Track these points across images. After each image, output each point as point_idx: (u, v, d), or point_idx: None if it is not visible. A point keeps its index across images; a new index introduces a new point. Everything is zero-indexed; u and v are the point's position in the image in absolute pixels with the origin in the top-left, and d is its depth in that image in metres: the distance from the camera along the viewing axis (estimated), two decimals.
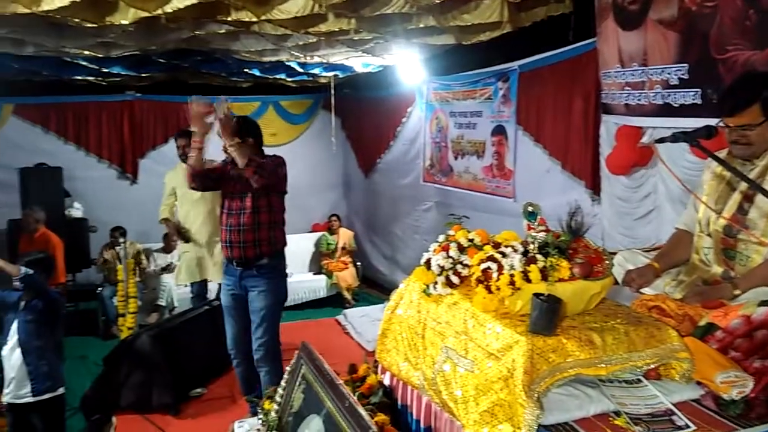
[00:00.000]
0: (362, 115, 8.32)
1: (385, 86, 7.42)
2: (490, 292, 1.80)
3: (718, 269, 2.23)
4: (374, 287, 8.01)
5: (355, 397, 1.94)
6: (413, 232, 7.20)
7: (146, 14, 3.92)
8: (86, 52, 5.46)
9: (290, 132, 8.67)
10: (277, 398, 2.28)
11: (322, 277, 7.49)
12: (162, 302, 6.59)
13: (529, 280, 1.75)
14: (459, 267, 1.99)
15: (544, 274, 1.75)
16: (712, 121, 2.07)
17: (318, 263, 7.75)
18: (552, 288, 1.71)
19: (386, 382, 2.31)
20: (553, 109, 4.79)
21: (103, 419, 4.16)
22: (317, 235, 7.99)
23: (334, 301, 7.34)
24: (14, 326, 3.43)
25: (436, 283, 2.01)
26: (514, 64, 5.20)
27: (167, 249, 7.03)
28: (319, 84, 8.12)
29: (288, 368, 2.31)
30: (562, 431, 1.60)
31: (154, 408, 4.32)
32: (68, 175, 7.22)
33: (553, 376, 1.59)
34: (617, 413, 1.63)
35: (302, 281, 7.24)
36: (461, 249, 2.03)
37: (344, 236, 7.87)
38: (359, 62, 6.68)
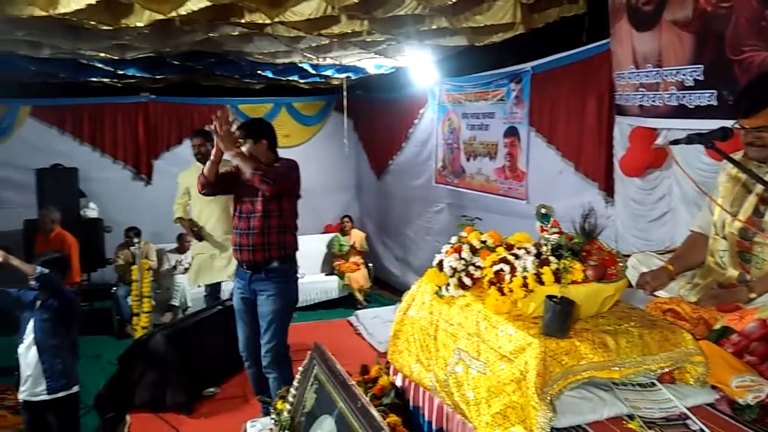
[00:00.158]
0: (374, 116, 8.33)
1: (398, 88, 7.42)
2: (502, 294, 1.80)
3: (733, 272, 2.21)
4: (386, 288, 8.01)
5: (368, 398, 1.94)
6: (425, 234, 7.19)
7: (161, 17, 3.95)
8: (102, 54, 5.52)
9: (303, 133, 8.70)
10: (290, 398, 2.29)
11: (334, 278, 7.51)
12: (175, 302, 6.64)
13: (542, 282, 1.75)
14: (471, 269, 1.99)
15: (557, 276, 1.74)
16: (728, 123, 2.06)
17: (330, 264, 7.77)
18: (565, 290, 1.71)
19: (398, 383, 2.31)
20: (566, 111, 4.77)
21: (117, 418, 4.21)
22: (329, 236, 8.01)
23: (346, 302, 7.35)
24: (30, 325, 3.47)
25: (448, 284, 2.01)
26: (527, 66, 5.18)
27: (181, 249, 7.08)
28: (332, 85, 8.15)
29: (300, 368, 2.32)
30: None
31: (167, 407, 4.35)
32: (84, 175, 7.30)
33: (566, 378, 1.59)
34: (631, 417, 1.62)
35: (314, 282, 7.27)
36: (474, 251, 2.03)
37: (356, 237, 7.89)
38: (372, 64, 6.70)
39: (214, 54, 5.93)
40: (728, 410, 1.68)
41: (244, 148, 3.53)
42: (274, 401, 2.47)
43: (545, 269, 1.76)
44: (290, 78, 7.36)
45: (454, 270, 2.01)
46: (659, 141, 3.56)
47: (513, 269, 1.81)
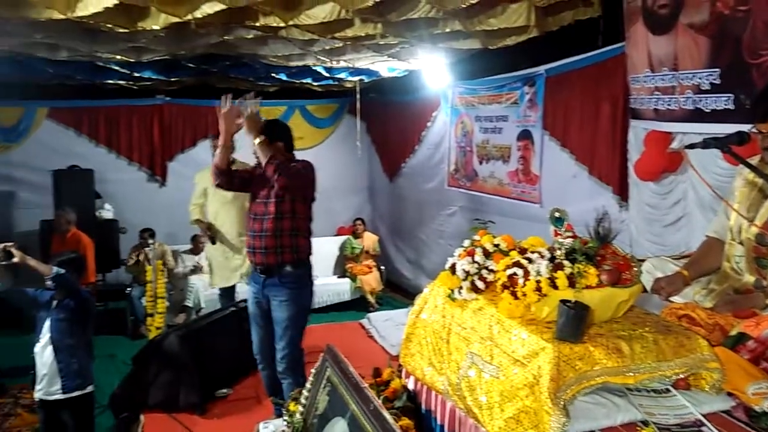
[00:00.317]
0: (387, 119, 8.34)
1: (411, 90, 7.43)
2: (516, 297, 1.80)
3: (750, 278, 2.19)
4: (398, 291, 8.00)
5: (380, 401, 1.95)
6: (438, 237, 7.18)
7: (177, 20, 3.99)
8: (118, 57, 5.59)
9: (316, 136, 8.73)
10: (302, 400, 2.29)
11: (346, 281, 7.51)
12: (189, 303, 6.68)
13: (555, 287, 1.74)
14: (484, 272, 1.99)
15: (572, 281, 1.74)
16: (745, 127, 2.04)
17: (342, 267, 7.78)
18: (579, 295, 1.70)
19: (410, 386, 2.31)
20: (580, 114, 4.75)
21: (131, 417, 4.24)
22: (342, 238, 8.02)
23: (358, 305, 7.36)
24: (46, 324, 3.50)
25: (461, 288, 2.01)
26: (541, 69, 5.16)
27: (195, 250, 7.12)
28: (345, 88, 8.17)
29: (313, 370, 2.33)
30: None
31: (181, 407, 4.37)
32: (99, 177, 7.38)
33: (579, 383, 1.58)
34: (645, 423, 1.61)
35: (326, 284, 7.27)
36: (487, 254, 2.03)
37: (369, 240, 7.89)
38: (385, 67, 6.71)
39: (229, 57, 5.98)
40: (744, 417, 1.66)
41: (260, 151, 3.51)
42: (286, 403, 2.48)
43: (559, 273, 1.75)
44: (304, 81, 7.39)
45: (467, 273, 2.01)
46: (675, 145, 3.54)
47: (526, 273, 1.81)
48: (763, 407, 1.63)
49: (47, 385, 3.48)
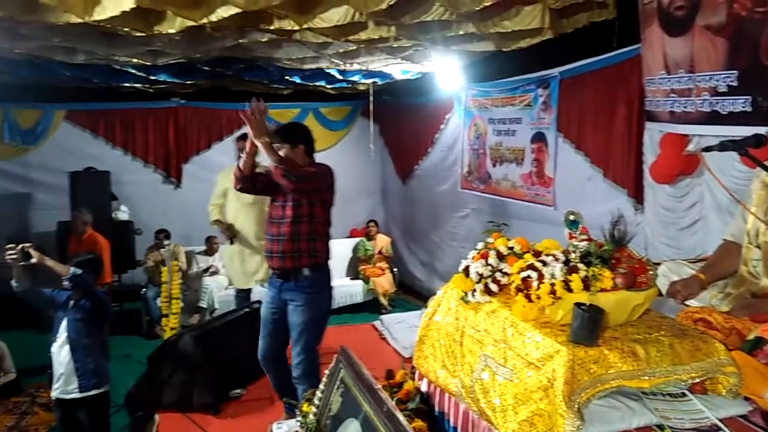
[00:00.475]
0: (400, 121, 8.35)
1: (424, 93, 7.43)
2: (530, 300, 1.79)
3: (767, 282, 2.16)
4: (411, 294, 8.00)
5: (393, 403, 1.95)
6: (451, 239, 7.17)
7: (192, 23, 4.02)
8: (134, 60, 5.64)
9: (329, 138, 8.76)
10: (316, 401, 2.30)
11: (359, 283, 7.53)
12: (203, 304, 6.72)
13: (570, 290, 1.74)
14: (498, 275, 1.99)
15: (586, 284, 1.73)
16: (762, 130, 2.02)
17: (355, 268, 7.80)
18: (594, 298, 1.69)
19: (423, 388, 2.32)
20: (594, 116, 4.72)
21: (146, 417, 4.26)
22: (355, 240, 8.04)
23: (371, 307, 7.37)
24: (63, 324, 3.53)
25: (474, 290, 2.01)
26: (555, 71, 5.14)
27: (209, 252, 7.18)
28: (358, 91, 8.19)
29: (327, 371, 2.33)
30: None
31: (195, 407, 4.41)
32: (115, 179, 7.44)
33: (594, 387, 1.58)
34: (660, 427, 1.60)
35: (339, 286, 7.25)
36: (500, 257, 2.03)
37: (381, 242, 7.90)
38: (398, 69, 6.72)
39: (244, 60, 6.02)
40: (761, 422, 1.65)
41: (281, 152, 3.47)
42: (300, 404, 2.49)
43: (574, 276, 1.75)
44: (317, 83, 7.42)
45: (481, 276, 2.01)
46: (691, 147, 3.51)
47: (541, 276, 1.80)
48: None
49: (64, 384, 3.51)
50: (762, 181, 2.23)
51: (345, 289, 7.37)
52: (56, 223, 6.97)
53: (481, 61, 6.02)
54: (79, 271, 3.47)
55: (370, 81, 7.46)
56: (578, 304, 1.65)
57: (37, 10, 3.79)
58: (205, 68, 6.30)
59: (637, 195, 4.25)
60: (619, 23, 4.31)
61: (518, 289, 1.85)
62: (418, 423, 2.05)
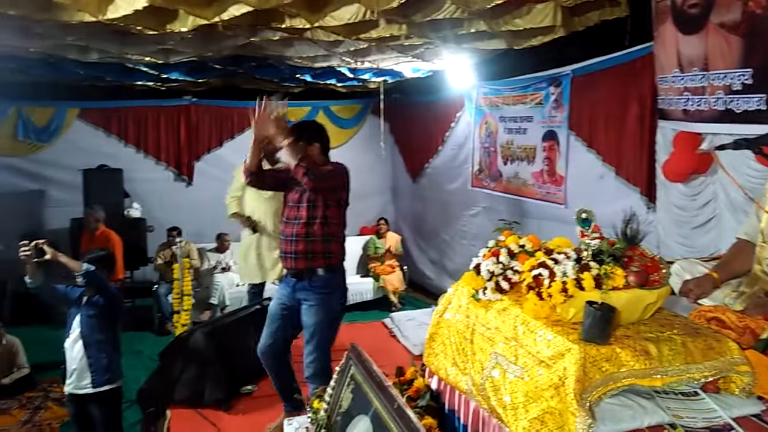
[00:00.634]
0: (411, 119, 8.35)
1: (435, 91, 7.42)
2: (541, 298, 1.79)
3: None
4: (420, 291, 8.01)
5: (403, 400, 1.95)
6: (461, 238, 7.16)
7: (204, 22, 4.05)
8: (147, 59, 5.68)
9: (339, 136, 8.76)
10: (326, 397, 2.31)
11: (369, 280, 7.54)
12: (214, 301, 6.76)
13: (582, 288, 1.74)
14: (509, 273, 1.99)
15: (598, 282, 1.73)
16: None
17: (365, 266, 7.81)
18: (606, 296, 1.69)
19: (433, 386, 2.32)
20: (606, 115, 4.70)
21: (157, 412, 4.30)
22: (365, 238, 8.05)
23: (381, 304, 7.38)
24: (76, 320, 3.56)
25: (485, 288, 2.01)
26: (567, 69, 5.12)
27: (220, 249, 7.22)
28: (369, 89, 8.19)
29: (337, 368, 2.34)
30: None
31: (206, 403, 4.42)
32: (128, 176, 7.51)
33: (606, 385, 1.57)
34: (673, 426, 1.59)
35: (349, 283, 7.21)
36: (511, 255, 2.03)
37: (392, 240, 7.90)
38: (409, 67, 6.71)
39: (255, 58, 6.04)
40: None
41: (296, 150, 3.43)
42: (310, 400, 2.50)
43: (585, 275, 1.74)
44: (328, 82, 7.43)
45: (492, 274, 2.01)
46: (704, 146, 3.48)
47: (552, 274, 1.80)
48: None
49: (77, 380, 3.54)
50: None
51: (355, 286, 7.37)
52: (69, 220, 7.05)
53: (492, 59, 6.00)
54: (92, 268, 3.50)
55: (380, 79, 7.46)
56: (590, 302, 1.65)
57: (51, 8, 3.83)
58: (217, 66, 6.33)
59: (650, 193, 4.23)
60: (632, 21, 4.28)
61: (529, 287, 1.85)
62: (428, 420, 2.05)
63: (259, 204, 5.28)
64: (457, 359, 2.12)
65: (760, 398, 1.69)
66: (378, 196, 9.12)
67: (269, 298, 5.08)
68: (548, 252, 1.93)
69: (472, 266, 2.11)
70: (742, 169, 3.08)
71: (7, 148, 7.53)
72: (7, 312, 6.24)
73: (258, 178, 3.58)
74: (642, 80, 4.19)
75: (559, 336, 1.67)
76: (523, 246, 2.04)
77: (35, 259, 3.41)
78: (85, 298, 3.57)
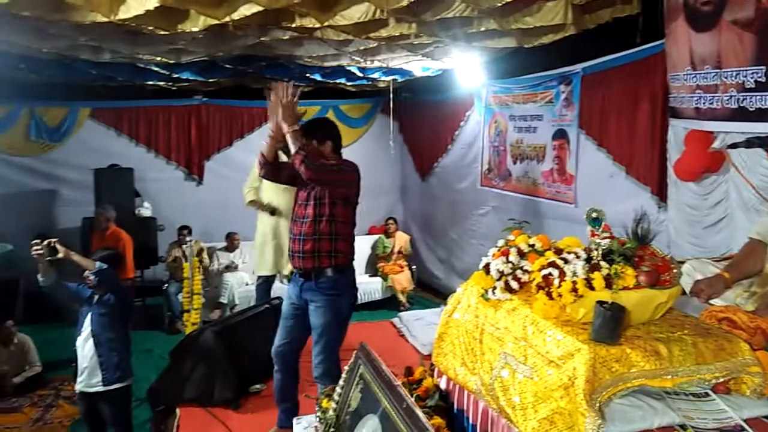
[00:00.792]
0: (420, 118, 8.34)
1: (444, 90, 7.41)
2: (551, 298, 1.78)
3: None
4: (429, 291, 7.99)
5: (412, 399, 1.95)
6: (470, 237, 7.14)
7: (215, 21, 4.06)
8: (158, 59, 5.71)
9: (349, 135, 8.76)
10: (335, 397, 2.31)
11: (378, 280, 7.54)
12: (223, 300, 6.79)
13: (592, 288, 1.73)
14: (519, 272, 1.98)
15: (608, 282, 1.72)
16: None
17: (374, 265, 7.81)
18: (616, 296, 1.68)
19: (442, 385, 2.31)
20: (617, 113, 4.67)
21: (167, 410, 4.33)
22: (373, 237, 8.05)
23: (389, 304, 7.37)
24: (88, 318, 3.59)
25: (494, 288, 2.01)
26: (578, 67, 5.09)
27: (230, 248, 7.24)
28: (378, 88, 8.19)
29: (346, 367, 2.34)
30: None
31: (215, 402, 4.45)
32: (139, 176, 7.54)
33: (616, 386, 1.57)
34: (683, 427, 1.58)
35: (358, 283, 7.19)
36: (521, 254, 2.02)
37: (400, 239, 7.90)
38: (418, 66, 6.71)
39: (265, 57, 6.05)
40: None
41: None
42: (319, 399, 2.51)
43: (596, 274, 1.73)
44: (338, 81, 7.44)
45: (501, 273, 2.00)
46: (717, 144, 3.45)
47: (562, 274, 1.79)
48: None
49: (88, 378, 3.56)
50: None
51: (363, 286, 7.36)
52: (81, 220, 7.10)
53: (502, 57, 5.99)
54: (105, 266, 3.53)
55: (390, 78, 7.45)
56: (600, 302, 1.64)
57: (64, 9, 3.86)
58: (227, 66, 6.36)
59: (661, 193, 4.20)
60: (643, 19, 4.25)
61: (539, 287, 1.84)
62: (437, 420, 2.05)
63: (276, 194, 5.28)
64: (466, 359, 2.11)
65: None
66: (387, 195, 9.11)
67: (277, 298, 5.10)
68: (558, 251, 1.92)
69: (481, 266, 2.11)
70: (755, 168, 3.05)
71: (19, 148, 7.60)
72: (19, 311, 6.29)
73: (272, 170, 3.52)
74: (653, 78, 4.16)
75: (568, 336, 1.67)
76: (532, 245, 2.04)
77: (48, 258, 3.43)
78: (96, 297, 3.59)
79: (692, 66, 3.35)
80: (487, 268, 2.07)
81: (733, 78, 3.05)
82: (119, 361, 3.59)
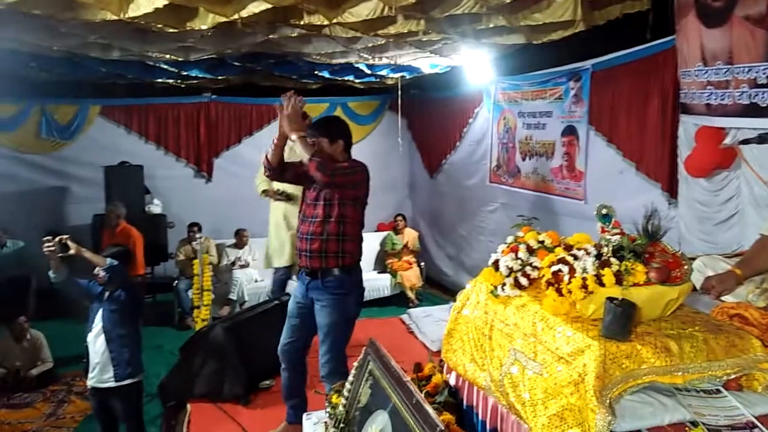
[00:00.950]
0: (429, 115, 8.33)
1: (452, 86, 7.39)
2: (560, 294, 1.78)
3: None
4: (438, 288, 8.00)
5: (422, 395, 1.95)
6: (478, 234, 7.14)
7: (224, 19, 4.07)
8: (167, 56, 5.74)
9: (357, 133, 8.72)
10: (345, 393, 2.32)
11: (387, 276, 7.54)
12: (233, 296, 6.82)
13: (602, 284, 1.72)
14: (528, 269, 1.98)
15: (619, 278, 1.72)
16: None
17: (382, 262, 7.82)
18: (626, 292, 1.68)
19: (452, 381, 2.32)
20: (627, 109, 4.64)
21: (178, 406, 4.36)
22: (382, 234, 8.06)
23: (398, 300, 7.38)
24: (99, 315, 3.60)
25: (504, 284, 2.01)
26: (587, 63, 5.06)
27: (239, 245, 7.27)
28: (387, 85, 8.19)
29: (356, 364, 2.35)
30: None
31: (225, 397, 4.48)
32: (148, 173, 7.58)
33: (626, 382, 1.56)
34: (694, 423, 1.57)
35: (367, 279, 7.22)
36: (530, 251, 2.02)
37: (409, 236, 7.90)
38: (427, 63, 6.69)
39: (274, 55, 6.07)
40: None
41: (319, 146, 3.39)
42: (329, 396, 2.52)
43: (606, 270, 1.73)
44: (346, 78, 7.44)
45: (511, 270, 2.00)
46: (728, 140, 3.43)
47: (572, 270, 1.79)
48: None
49: (99, 373, 3.58)
50: None
51: (372, 282, 7.38)
52: (91, 216, 7.15)
53: (511, 54, 5.96)
54: (116, 262, 3.55)
55: (398, 75, 7.45)
56: (610, 299, 1.64)
57: (74, 8, 3.89)
58: (236, 63, 6.38)
59: (671, 189, 4.17)
60: (653, 15, 4.22)
61: (549, 283, 1.84)
62: (447, 416, 2.05)
63: (286, 187, 5.29)
64: (475, 355, 2.12)
65: None
66: (395, 192, 9.12)
67: (288, 294, 5.12)
68: (568, 248, 1.92)
69: (490, 262, 2.11)
70: (767, 164, 3.02)
71: (30, 145, 7.67)
72: (31, 307, 6.35)
73: (277, 172, 3.52)
74: (663, 74, 4.14)
75: (578, 332, 1.66)
76: (542, 242, 2.04)
77: (59, 255, 3.45)
78: (107, 294, 3.61)
79: (703, 62, 3.33)
80: (496, 265, 2.07)
81: (745, 74, 3.02)
82: (130, 357, 3.61)
